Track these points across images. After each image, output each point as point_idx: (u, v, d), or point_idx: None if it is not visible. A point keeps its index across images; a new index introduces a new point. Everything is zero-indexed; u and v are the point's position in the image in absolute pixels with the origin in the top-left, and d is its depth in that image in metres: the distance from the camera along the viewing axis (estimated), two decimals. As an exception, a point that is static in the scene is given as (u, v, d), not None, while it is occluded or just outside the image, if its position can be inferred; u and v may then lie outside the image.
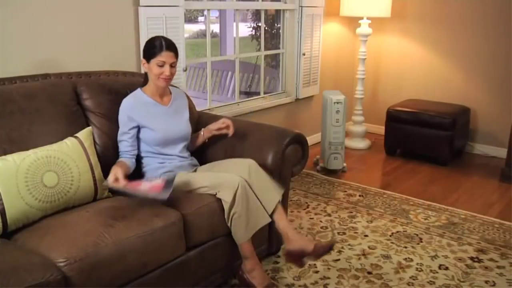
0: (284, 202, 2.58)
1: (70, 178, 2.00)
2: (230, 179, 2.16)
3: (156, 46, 2.27)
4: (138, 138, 2.36)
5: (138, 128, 2.34)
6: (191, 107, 2.66)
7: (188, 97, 2.67)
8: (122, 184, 2.01)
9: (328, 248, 2.27)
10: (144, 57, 2.33)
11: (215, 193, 2.16)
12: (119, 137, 2.34)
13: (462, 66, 4.49)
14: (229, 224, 2.16)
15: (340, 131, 3.82)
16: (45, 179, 1.92)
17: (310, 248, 2.20)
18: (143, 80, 2.44)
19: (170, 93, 2.49)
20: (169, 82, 2.37)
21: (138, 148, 2.37)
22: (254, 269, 2.22)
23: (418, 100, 4.59)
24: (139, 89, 2.40)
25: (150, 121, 2.33)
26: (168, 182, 2.03)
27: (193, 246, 2.10)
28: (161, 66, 2.27)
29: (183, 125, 2.47)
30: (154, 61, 2.28)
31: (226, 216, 2.14)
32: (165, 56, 2.26)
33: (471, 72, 4.47)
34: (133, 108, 2.33)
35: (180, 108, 2.51)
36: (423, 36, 4.63)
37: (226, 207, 2.13)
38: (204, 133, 2.58)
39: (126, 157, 2.30)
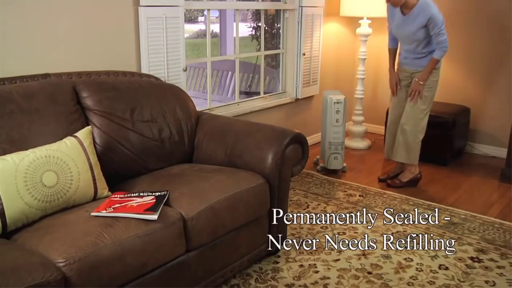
0: (284, 202, 2.59)
1: (69, 177, 2.00)
2: None
3: None
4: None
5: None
6: (428, 24, 3.32)
7: (429, 13, 3.28)
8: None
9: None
10: None
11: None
12: None
13: (462, 66, 4.49)
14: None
15: (340, 131, 3.82)
16: (44, 179, 1.91)
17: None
18: None
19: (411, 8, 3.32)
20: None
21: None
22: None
23: (418, 100, 4.56)
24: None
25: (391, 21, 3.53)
26: (159, 199, 2.02)
27: (193, 248, 2.10)
28: None
29: (410, 29, 3.36)
30: None
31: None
32: None
33: (471, 72, 4.47)
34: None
35: (414, 19, 3.33)
36: (423, 36, 4.62)
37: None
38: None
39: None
